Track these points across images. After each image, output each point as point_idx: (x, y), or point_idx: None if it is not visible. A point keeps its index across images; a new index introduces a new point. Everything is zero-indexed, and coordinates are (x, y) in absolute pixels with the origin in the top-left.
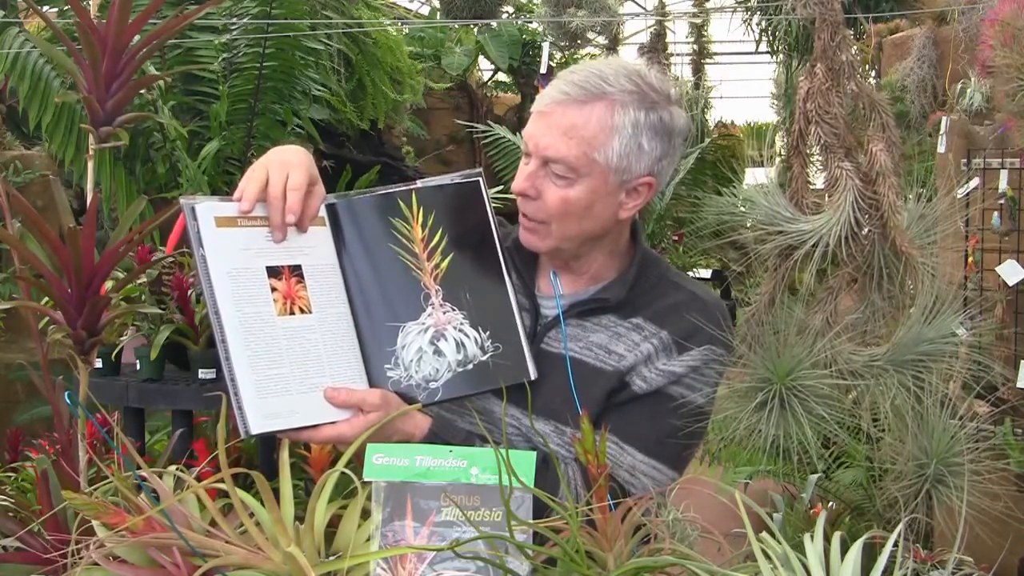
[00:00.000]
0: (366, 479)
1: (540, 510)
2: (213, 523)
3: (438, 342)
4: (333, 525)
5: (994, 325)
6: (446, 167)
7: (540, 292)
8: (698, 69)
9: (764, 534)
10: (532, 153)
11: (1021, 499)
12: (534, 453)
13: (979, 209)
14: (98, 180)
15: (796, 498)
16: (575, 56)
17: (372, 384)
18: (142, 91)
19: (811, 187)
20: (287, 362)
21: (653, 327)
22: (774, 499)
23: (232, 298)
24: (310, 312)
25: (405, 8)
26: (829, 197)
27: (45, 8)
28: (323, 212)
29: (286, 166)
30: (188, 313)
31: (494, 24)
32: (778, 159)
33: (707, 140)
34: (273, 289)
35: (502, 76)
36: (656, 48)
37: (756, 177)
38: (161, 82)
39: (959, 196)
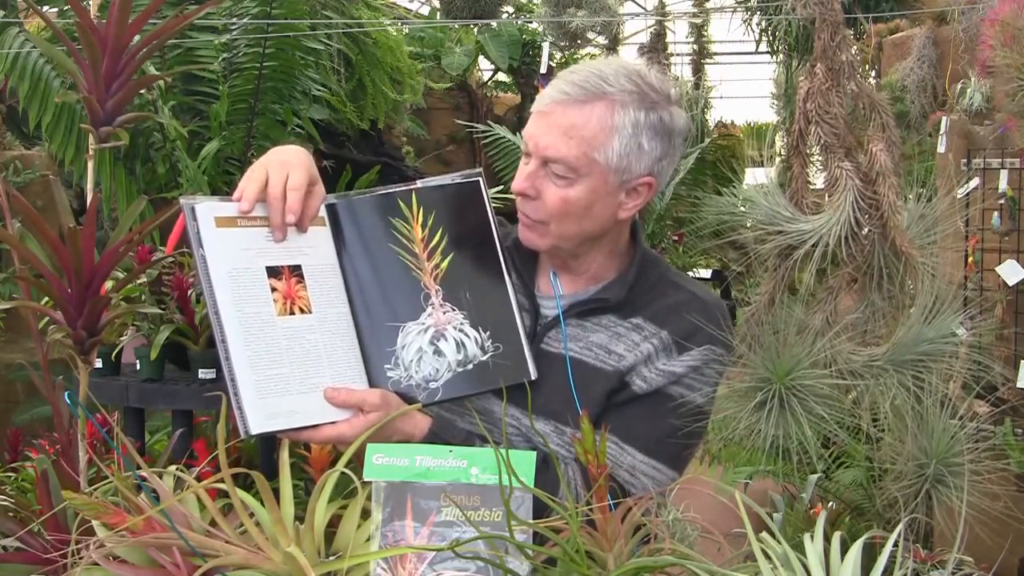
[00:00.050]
0: (366, 479)
1: (540, 510)
2: (213, 523)
3: (438, 342)
4: (333, 525)
5: (994, 325)
6: (446, 167)
7: (540, 292)
8: (698, 69)
9: (764, 534)
10: (532, 153)
11: (1021, 499)
12: (534, 453)
13: (979, 209)
14: (98, 180)
15: (796, 498)
16: (575, 56)
17: (372, 384)
18: (142, 91)
19: (811, 187)
20: (287, 362)
21: (653, 327)
22: (774, 499)
23: (232, 298)
24: (310, 312)
25: (405, 8)
26: (829, 197)
27: (45, 8)
28: (323, 212)
29: (286, 166)
30: (188, 313)
31: (494, 24)
32: (778, 159)
33: (707, 140)
34: (273, 289)
35: (502, 76)
36: (656, 48)
37: (756, 177)
38: (161, 82)
39: (959, 196)
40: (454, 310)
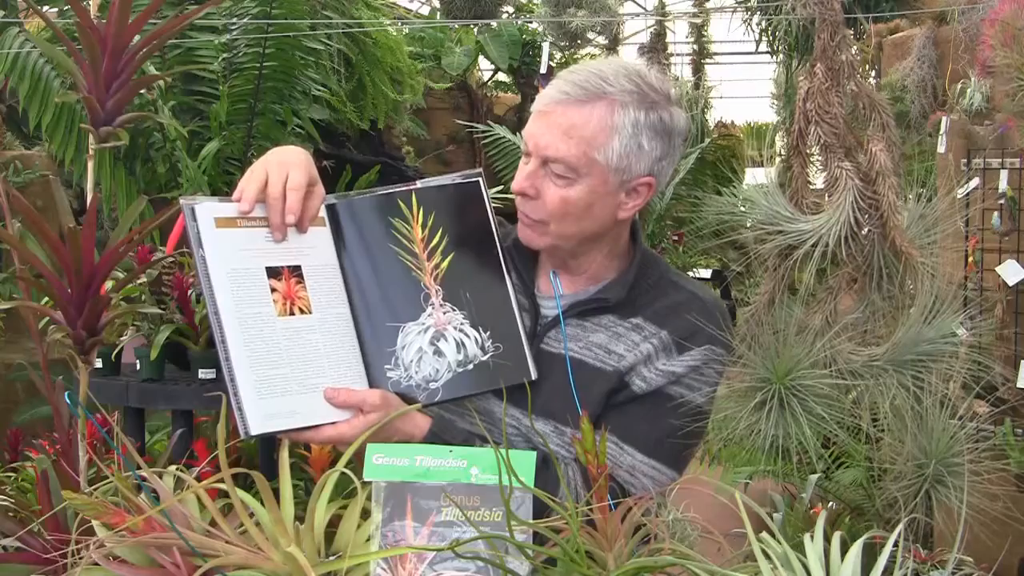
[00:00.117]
0: (366, 479)
1: (540, 510)
2: (213, 523)
3: (438, 342)
4: (333, 525)
5: (994, 325)
6: (446, 167)
7: (540, 292)
8: (698, 69)
9: (764, 534)
10: (532, 152)
11: (1021, 499)
12: (534, 453)
13: (979, 209)
14: (98, 180)
15: (796, 498)
16: (575, 56)
17: (372, 384)
18: (142, 91)
19: (811, 187)
20: (287, 363)
21: (653, 327)
22: (774, 499)
23: (232, 299)
24: (310, 312)
25: (405, 8)
26: (829, 197)
27: (45, 8)
28: (323, 212)
29: (285, 166)
30: (188, 313)
31: (494, 24)
32: (778, 159)
33: (707, 140)
34: (273, 290)
35: (502, 76)
36: (656, 48)
37: (756, 177)
38: (161, 82)
39: (959, 196)
40: (454, 310)
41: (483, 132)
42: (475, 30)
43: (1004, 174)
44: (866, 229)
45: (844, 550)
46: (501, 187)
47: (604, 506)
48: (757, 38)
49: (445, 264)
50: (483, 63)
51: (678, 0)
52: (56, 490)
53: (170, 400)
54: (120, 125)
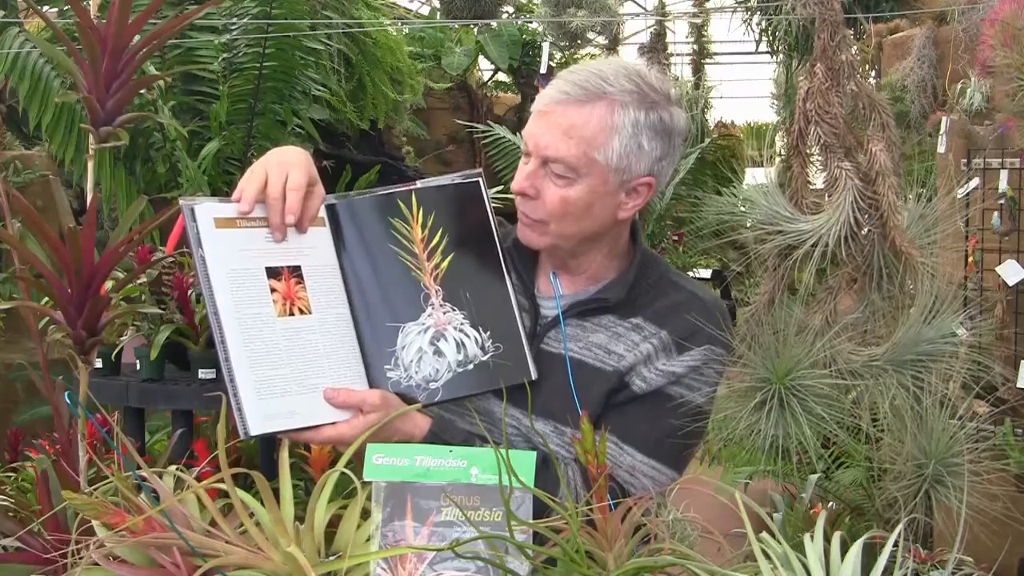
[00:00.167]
0: (366, 479)
1: (540, 510)
2: (213, 523)
3: (438, 342)
4: (333, 525)
5: (994, 325)
6: (446, 167)
7: (540, 292)
8: (698, 69)
9: (764, 534)
10: (532, 152)
11: (1020, 499)
12: (534, 453)
13: (979, 209)
14: (98, 180)
15: (796, 498)
16: (575, 56)
17: (372, 385)
18: (142, 91)
19: (811, 187)
20: (287, 363)
21: (653, 327)
22: (774, 499)
23: (232, 299)
24: (310, 313)
25: (405, 8)
26: (829, 197)
27: (45, 8)
28: (323, 212)
29: (285, 166)
30: (188, 313)
31: (494, 24)
32: (778, 159)
33: (707, 140)
34: (273, 290)
35: (502, 76)
36: (656, 48)
37: (756, 177)
38: (161, 82)
39: (959, 196)
40: (454, 310)
41: (483, 132)
42: (475, 30)
43: (1004, 174)
44: (866, 229)
45: (844, 550)
46: (501, 187)
47: (604, 506)
48: (757, 38)
49: (445, 264)
50: (483, 63)
51: (678, 0)
52: (56, 490)
53: (170, 400)
54: (120, 125)
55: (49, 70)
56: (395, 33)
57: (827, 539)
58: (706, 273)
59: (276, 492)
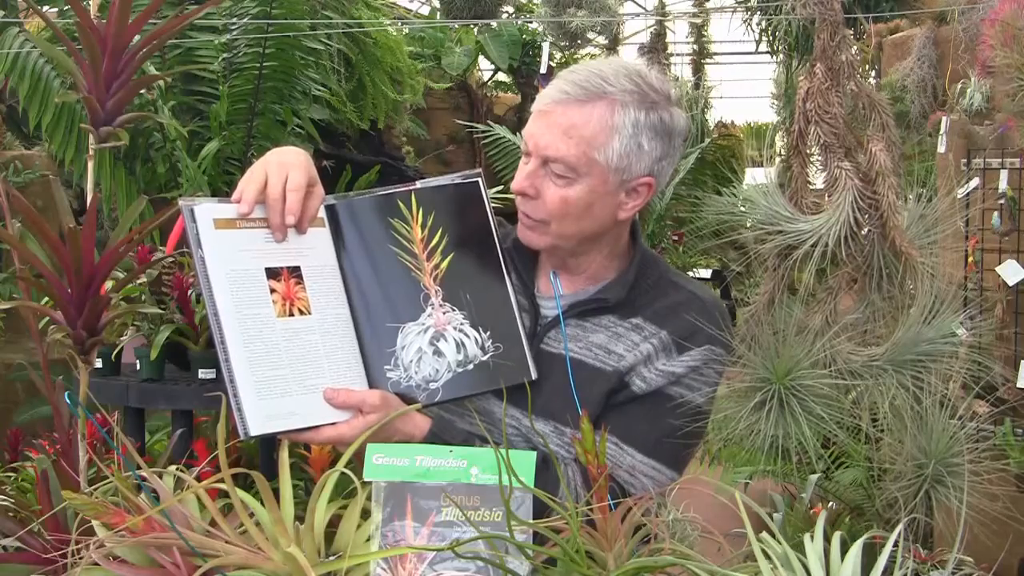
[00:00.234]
0: (366, 479)
1: (540, 510)
2: (213, 523)
3: (438, 342)
4: (333, 525)
5: (994, 325)
6: (446, 167)
7: (540, 292)
8: (698, 69)
9: (764, 534)
10: (532, 152)
11: (1021, 499)
12: (534, 453)
13: (979, 209)
14: (98, 180)
15: (796, 498)
16: (575, 56)
17: (372, 385)
18: (142, 91)
19: (811, 187)
20: (286, 363)
21: (653, 327)
22: (774, 499)
23: (231, 300)
24: (309, 313)
25: (405, 8)
26: (829, 197)
27: (45, 8)
28: (322, 213)
29: (285, 167)
30: (188, 313)
31: (494, 24)
32: (778, 159)
33: (707, 140)
34: (272, 291)
35: (502, 76)
36: (656, 48)
37: (756, 177)
38: (161, 82)
39: (959, 196)
40: (454, 310)
41: (483, 132)
42: (475, 30)
43: (1004, 174)
44: (866, 229)
45: (844, 550)
46: (501, 187)
47: (604, 506)
48: (757, 38)
49: (445, 264)
50: (483, 63)
51: (678, 0)
52: (56, 490)
53: (170, 400)
54: (120, 125)
55: (49, 70)
56: (395, 33)
57: (827, 539)
58: (706, 273)
59: (276, 492)
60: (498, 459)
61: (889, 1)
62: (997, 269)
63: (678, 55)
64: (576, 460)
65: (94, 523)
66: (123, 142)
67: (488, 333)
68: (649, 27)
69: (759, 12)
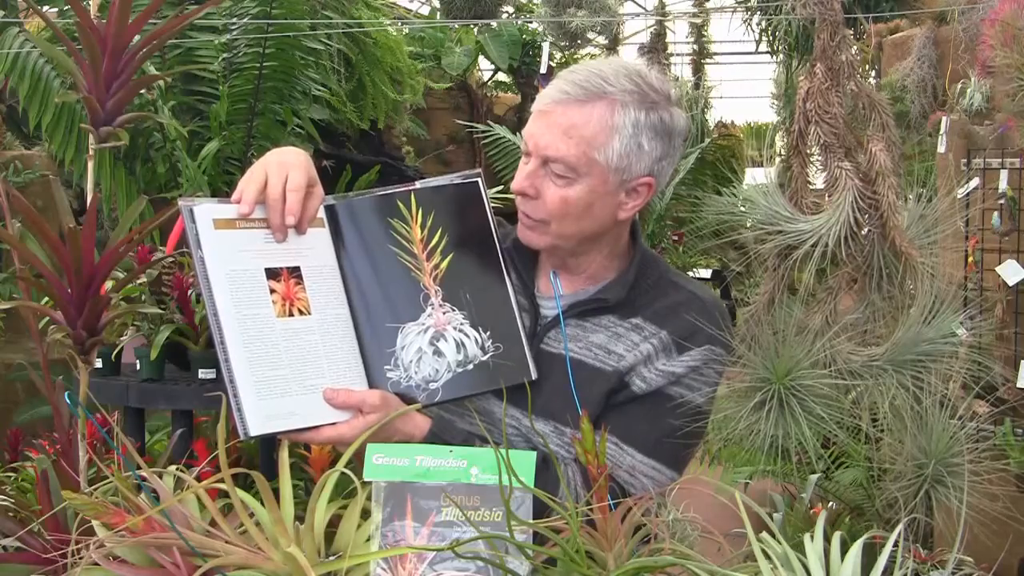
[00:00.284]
0: (366, 479)
1: (540, 510)
2: (213, 523)
3: (438, 342)
4: (333, 525)
5: (994, 325)
6: (446, 167)
7: (540, 292)
8: (698, 69)
9: (764, 534)
10: (532, 152)
11: (1021, 499)
12: (534, 453)
13: (979, 209)
14: (98, 180)
15: (796, 498)
16: (575, 56)
17: (372, 385)
18: (142, 91)
19: (811, 187)
20: (286, 364)
21: (653, 327)
22: (774, 499)
23: (231, 300)
24: (309, 314)
25: (405, 8)
26: (829, 197)
27: (45, 8)
28: (322, 213)
29: (285, 167)
30: (188, 313)
31: (494, 24)
32: (778, 159)
33: (707, 140)
34: (272, 291)
35: (502, 76)
36: (656, 48)
37: (756, 177)
38: (161, 82)
39: (959, 196)
40: (454, 310)
41: (483, 132)
42: (475, 30)
43: (1004, 174)
44: (866, 229)
45: (844, 550)
46: (501, 187)
47: (604, 506)
48: (757, 38)
49: (444, 264)
50: (483, 63)
51: (678, 0)
52: (56, 490)
53: (170, 400)
54: (120, 125)
55: (49, 70)
56: (395, 33)
57: (827, 539)
58: (706, 273)
59: (276, 492)
60: (498, 459)
61: (889, 1)
62: (997, 269)
63: (678, 55)
64: (576, 460)
65: (94, 523)
66: (123, 142)
67: (488, 333)
68: (649, 27)
69: (759, 12)
